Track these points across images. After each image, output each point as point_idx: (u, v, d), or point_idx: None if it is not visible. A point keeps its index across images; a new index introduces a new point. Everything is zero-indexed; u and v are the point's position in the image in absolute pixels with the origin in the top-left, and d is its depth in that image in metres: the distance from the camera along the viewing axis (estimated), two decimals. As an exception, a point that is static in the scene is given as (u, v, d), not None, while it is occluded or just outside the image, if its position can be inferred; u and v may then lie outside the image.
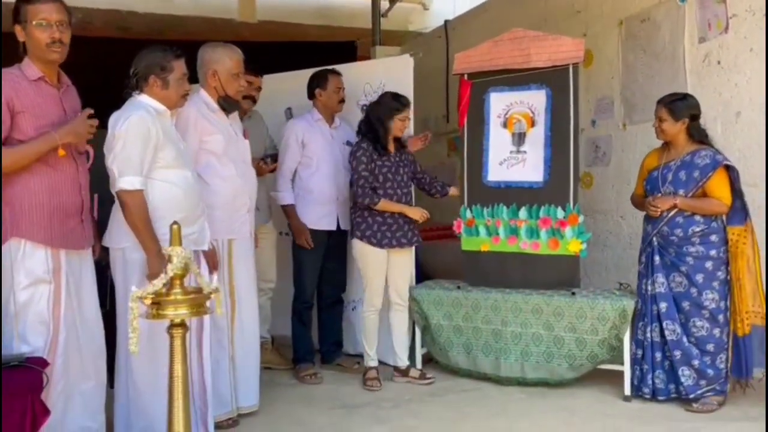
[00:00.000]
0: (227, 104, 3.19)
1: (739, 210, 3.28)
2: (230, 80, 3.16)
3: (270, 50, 6.39)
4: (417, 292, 3.95)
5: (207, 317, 2.80)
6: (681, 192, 3.31)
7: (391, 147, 3.79)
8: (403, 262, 3.85)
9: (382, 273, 3.75)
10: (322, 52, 5.91)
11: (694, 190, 3.29)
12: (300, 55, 5.35)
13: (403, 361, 3.86)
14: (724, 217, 3.31)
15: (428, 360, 4.04)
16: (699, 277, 3.28)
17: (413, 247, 3.91)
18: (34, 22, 2.48)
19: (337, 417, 3.33)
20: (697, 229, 3.29)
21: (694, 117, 3.35)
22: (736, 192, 3.27)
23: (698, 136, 3.36)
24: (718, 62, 3.94)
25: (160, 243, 2.60)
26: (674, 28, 4.19)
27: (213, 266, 3.02)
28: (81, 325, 2.63)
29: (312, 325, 4.11)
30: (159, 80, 2.75)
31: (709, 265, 3.28)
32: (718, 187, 3.26)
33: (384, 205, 3.69)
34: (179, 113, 2.96)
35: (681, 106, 3.34)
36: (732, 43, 3.86)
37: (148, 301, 2.06)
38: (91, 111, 2.62)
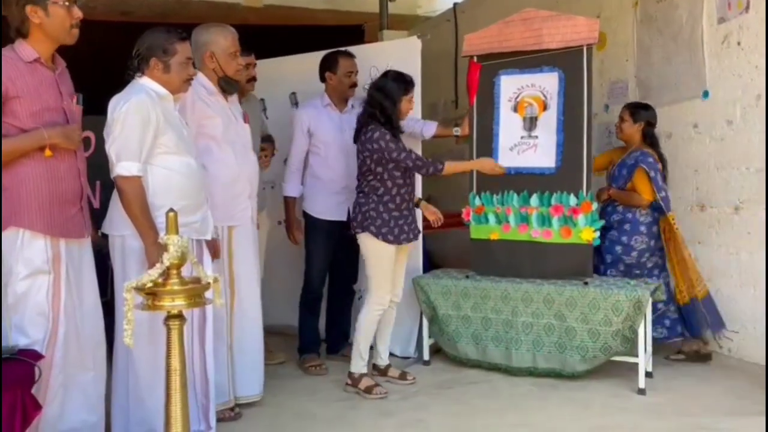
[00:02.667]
0: (228, 85, 3.10)
1: (662, 203, 3.73)
2: (228, 60, 3.07)
3: (276, 34, 6.29)
4: (424, 281, 3.86)
5: (209, 308, 2.72)
6: (614, 186, 3.93)
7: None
8: (405, 256, 3.61)
9: (392, 268, 3.48)
10: (329, 36, 5.80)
11: (623, 185, 3.89)
12: (306, 40, 5.24)
13: (384, 360, 3.66)
14: (646, 210, 3.82)
15: (436, 351, 3.96)
16: (608, 257, 3.86)
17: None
18: (59, 2, 2.40)
19: (343, 409, 3.26)
20: (616, 218, 3.87)
21: (650, 124, 3.91)
22: (658, 188, 3.72)
23: (650, 140, 3.90)
24: (738, 43, 3.80)
25: (159, 232, 2.52)
26: (692, 8, 4.04)
27: (215, 254, 2.93)
28: (80, 315, 2.56)
29: (320, 315, 4.03)
30: (161, 63, 2.66)
31: (618, 249, 3.82)
32: (639, 184, 3.80)
33: (450, 167, 3.47)
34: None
35: (642, 112, 3.92)
36: (753, 24, 3.71)
37: (144, 292, 1.98)
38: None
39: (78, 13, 2.44)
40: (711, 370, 3.72)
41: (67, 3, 2.41)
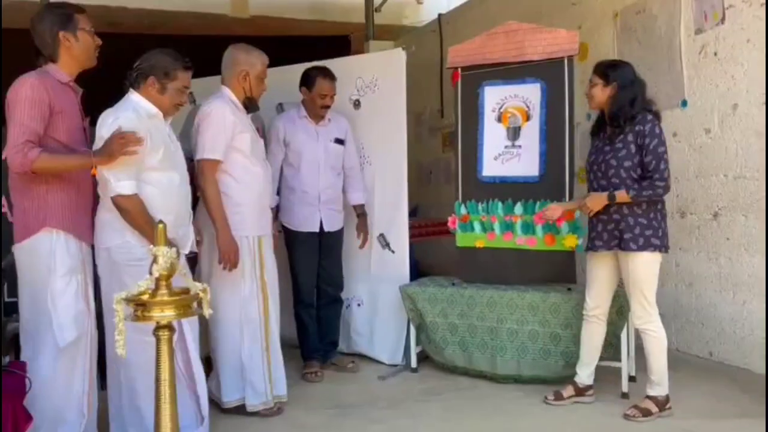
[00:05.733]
0: (251, 105, 3.29)
1: None
2: (258, 83, 3.27)
3: (262, 45, 6.32)
4: (411, 289, 3.90)
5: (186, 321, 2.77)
6: None
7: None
8: (606, 269, 3.22)
9: (590, 276, 3.29)
10: (315, 46, 5.84)
11: None
12: (293, 50, 5.29)
13: (580, 378, 3.34)
14: None
15: (424, 358, 4.00)
16: None
17: None
18: (87, 29, 2.65)
19: (332, 417, 3.29)
20: None
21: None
22: None
23: None
24: (715, 54, 3.90)
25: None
26: (670, 20, 4.14)
27: (233, 265, 3.07)
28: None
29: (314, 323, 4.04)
30: (158, 84, 2.72)
31: None
32: None
33: None
34: (206, 110, 3.11)
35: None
36: (729, 34, 3.81)
37: (134, 303, 2.01)
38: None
39: (98, 40, 2.69)
40: (692, 374, 3.78)
41: (92, 29, 2.67)
